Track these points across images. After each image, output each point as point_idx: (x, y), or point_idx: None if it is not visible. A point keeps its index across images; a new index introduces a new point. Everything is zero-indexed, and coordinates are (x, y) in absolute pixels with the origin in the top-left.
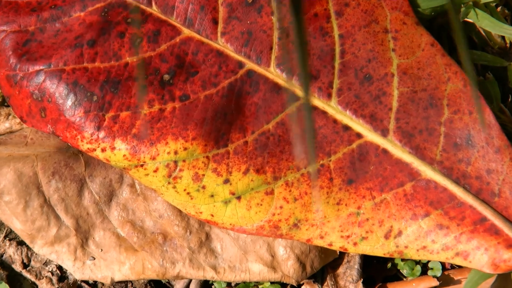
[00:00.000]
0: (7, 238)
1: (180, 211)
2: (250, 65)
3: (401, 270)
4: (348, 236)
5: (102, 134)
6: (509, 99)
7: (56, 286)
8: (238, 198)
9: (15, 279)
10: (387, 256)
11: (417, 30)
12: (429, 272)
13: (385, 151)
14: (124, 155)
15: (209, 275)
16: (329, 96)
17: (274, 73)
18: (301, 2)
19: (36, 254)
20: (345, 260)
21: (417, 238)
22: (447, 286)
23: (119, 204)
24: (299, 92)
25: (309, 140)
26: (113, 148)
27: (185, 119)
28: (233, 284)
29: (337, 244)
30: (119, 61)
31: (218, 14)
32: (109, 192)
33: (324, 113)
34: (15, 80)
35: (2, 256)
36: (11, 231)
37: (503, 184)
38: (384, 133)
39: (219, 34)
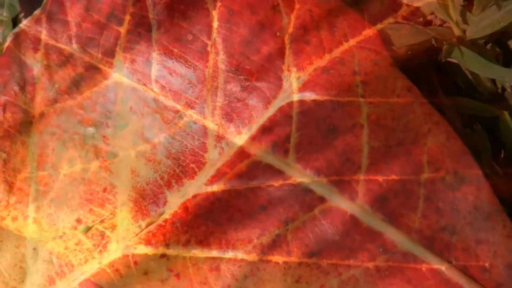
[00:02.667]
0: None
1: None
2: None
3: None
4: None
5: (13, 199)
6: (501, 155)
7: None
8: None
9: None
10: None
11: (391, 72)
12: None
13: (353, 218)
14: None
15: None
16: (286, 152)
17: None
18: None
19: None
20: None
21: None
22: None
23: None
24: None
25: None
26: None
27: None
28: None
29: None
30: None
31: None
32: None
33: (281, 173)
34: None
35: None
36: None
37: (494, 257)
38: (352, 196)
39: None
